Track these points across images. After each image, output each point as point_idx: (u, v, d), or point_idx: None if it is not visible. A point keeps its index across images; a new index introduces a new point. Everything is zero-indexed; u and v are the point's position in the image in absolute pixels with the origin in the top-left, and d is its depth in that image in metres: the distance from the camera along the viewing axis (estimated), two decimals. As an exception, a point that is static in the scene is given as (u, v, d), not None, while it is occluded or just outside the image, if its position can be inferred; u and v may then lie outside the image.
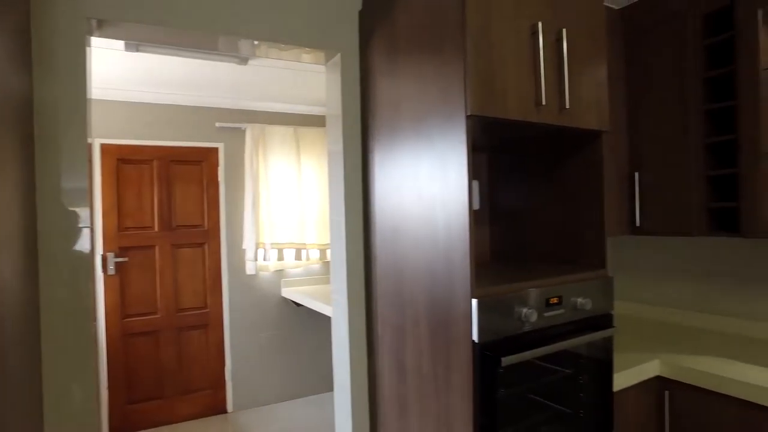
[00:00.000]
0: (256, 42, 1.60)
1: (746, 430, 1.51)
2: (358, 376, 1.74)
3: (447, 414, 1.33)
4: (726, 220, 1.88)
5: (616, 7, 2.10)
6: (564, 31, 1.37)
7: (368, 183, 1.71)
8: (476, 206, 1.89)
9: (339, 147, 1.75)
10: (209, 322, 3.58)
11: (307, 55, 1.81)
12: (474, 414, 1.24)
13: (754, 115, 1.68)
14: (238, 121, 3.67)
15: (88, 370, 1.31)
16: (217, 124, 3.58)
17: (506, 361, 1.21)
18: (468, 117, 1.22)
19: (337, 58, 1.75)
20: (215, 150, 3.61)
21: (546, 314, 1.34)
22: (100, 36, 1.47)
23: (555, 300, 1.36)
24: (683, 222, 1.86)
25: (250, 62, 2.71)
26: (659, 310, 2.31)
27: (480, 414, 1.25)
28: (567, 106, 1.36)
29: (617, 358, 1.73)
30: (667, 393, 1.70)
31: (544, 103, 1.31)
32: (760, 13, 1.67)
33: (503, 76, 1.27)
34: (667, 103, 1.91)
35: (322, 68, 2.83)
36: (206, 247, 3.58)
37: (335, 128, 1.78)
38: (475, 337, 1.22)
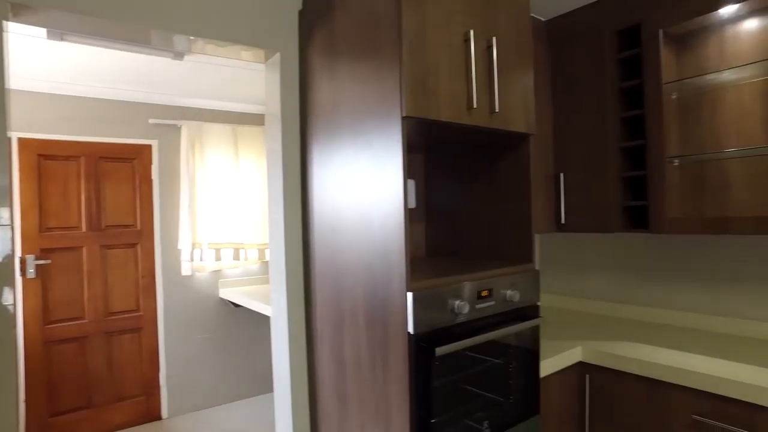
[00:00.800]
0: (191, 37, 1.58)
1: (653, 403, 1.66)
2: (298, 374, 1.76)
3: (385, 404, 1.38)
4: (639, 218, 2.05)
5: (543, 19, 2.24)
6: (494, 39, 1.46)
7: (307, 182, 1.73)
8: (412, 205, 1.96)
9: (278, 146, 1.76)
10: (142, 326, 3.45)
11: (246, 53, 1.80)
12: (411, 403, 1.30)
13: (659, 123, 1.86)
14: (174, 117, 3.56)
15: (9, 384, 1.24)
16: (151, 121, 3.46)
17: (440, 351, 1.27)
18: (403, 118, 1.27)
19: (277, 57, 1.76)
20: (148, 147, 3.48)
21: (477, 306, 1.42)
22: (17, 22, 1.40)
23: (486, 293, 1.44)
24: (603, 219, 2.02)
25: (187, 58, 2.65)
26: (583, 301, 2.48)
27: (416, 403, 1.30)
28: (497, 110, 1.45)
29: (544, 347, 1.85)
30: (587, 376, 1.84)
31: (475, 106, 1.39)
32: (661, 33, 1.85)
33: (437, 80, 1.33)
34: (588, 110, 2.07)
35: (262, 66, 2.82)
36: (139, 247, 3.44)
37: (274, 127, 1.79)
38: (410, 329, 1.27)
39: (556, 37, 2.19)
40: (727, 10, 1.76)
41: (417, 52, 1.30)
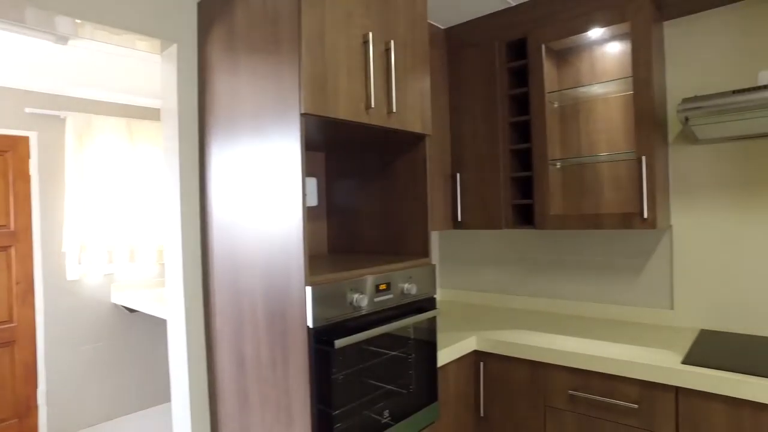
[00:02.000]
0: (77, 21, 1.47)
1: (536, 383, 1.83)
2: (197, 376, 1.70)
3: (287, 400, 1.39)
4: (526, 215, 2.24)
5: (442, 27, 2.36)
6: (392, 42, 1.52)
7: (205, 179, 1.68)
8: (314, 203, 1.98)
9: (174, 143, 1.70)
10: (16, 339, 3.11)
11: (141, 43, 1.71)
12: (312, 397, 1.32)
13: (542, 129, 2.04)
14: (57, 107, 3.26)
15: None
16: (28, 110, 3.13)
17: (339, 343, 1.30)
18: (302, 115, 1.29)
19: (173, 48, 1.69)
20: (25, 139, 3.15)
21: (376, 299, 1.47)
22: None
23: (384, 286, 1.50)
24: (494, 217, 2.17)
25: (74, 43, 2.44)
26: (479, 294, 2.65)
27: (318, 397, 1.32)
28: (394, 110, 1.52)
29: (442, 338, 1.96)
30: (482, 363, 1.97)
31: (373, 106, 1.44)
32: (543, 47, 2.04)
33: (336, 79, 1.37)
34: (481, 115, 2.22)
35: (160, 58, 2.68)
36: (13, 250, 3.11)
37: (171, 122, 1.72)
38: (309, 323, 1.29)
39: (454, 45, 2.32)
40: (594, 32, 1.97)
41: (316, 51, 1.32)
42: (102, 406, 3.42)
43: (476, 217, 2.23)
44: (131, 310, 3.53)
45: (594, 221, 1.91)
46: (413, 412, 1.65)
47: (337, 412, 1.40)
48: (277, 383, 1.41)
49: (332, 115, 1.35)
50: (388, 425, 1.56)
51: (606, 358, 1.65)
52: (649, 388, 1.59)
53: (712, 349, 1.69)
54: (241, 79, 1.50)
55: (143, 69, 2.94)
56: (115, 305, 3.48)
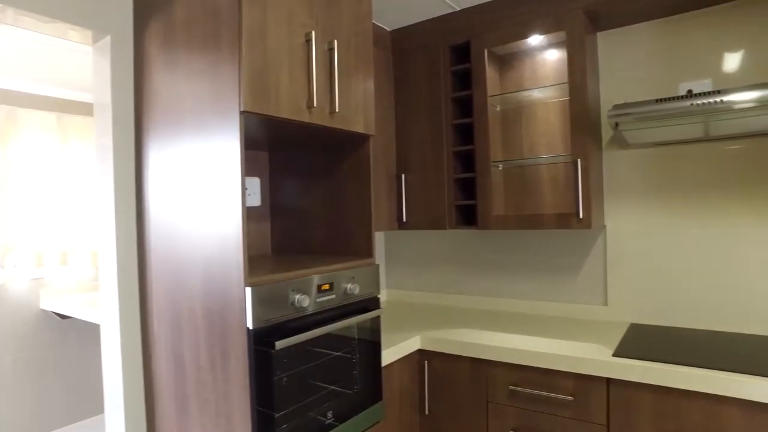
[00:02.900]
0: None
1: (478, 380, 1.87)
2: (132, 383, 1.63)
3: (226, 404, 1.35)
4: (469, 216, 2.29)
5: (388, 29, 2.38)
6: (335, 42, 1.52)
7: (142, 177, 1.62)
8: (257, 203, 1.94)
9: (108, 139, 1.62)
10: (-68, 349, 2.88)
11: (73, 33, 1.62)
12: (252, 400, 1.29)
13: (485, 131, 2.09)
14: (-21, 101, 3.04)
15: None
16: (-54, 103, 2.91)
17: (280, 344, 1.28)
18: (242, 113, 1.26)
19: (107, 40, 1.62)
20: (-56, 135, 2.92)
21: (318, 300, 1.46)
22: None
23: (326, 286, 1.49)
24: (438, 217, 2.21)
25: (-5, 32, 2.29)
26: (425, 294, 2.68)
27: (258, 399, 1.30)
28: (336, 110, 1.51)
29: (387, 338, 1.97)
30: (426, 362, 2.00)
31: (315, 105, 1.43)
32: (486, 52, 2.10)
33: (277, 78, 1.35)
34: (426, 116, 2.25)
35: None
36: (-71, 254, 2.87)
37: (104, 119, 1.64)
38: (249, 324, 1.27)
39: (400, 47, 2.34)
40: (534, 39, 2.05)
41: (257, 49, 1.30)
42: (28, 422, 3.21)
43: (421, 218, 2.26)
44: (63, 317, 3.33)
45: (533, 221, 1.98)
46: (358, 412, 1.65)
47: (279, 414, 1.37)
48: (216, 387, 1.37)
49: (273, 114, 1.34)
50: (331, 426, 1.56)
51: (544, 353, 1.71)
52: (584, 381, 1.66)
53: (640, 341, 1.79)
54: (180, 75, 1.45)
55: (77, 59, 2.79)
56: (45, 311, 3.28)
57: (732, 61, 1.89)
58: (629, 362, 1.57)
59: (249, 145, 1.84)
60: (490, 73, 2.17)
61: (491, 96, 2.14)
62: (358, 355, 1.67)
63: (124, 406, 1.61)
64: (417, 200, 2.27)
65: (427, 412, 2.00)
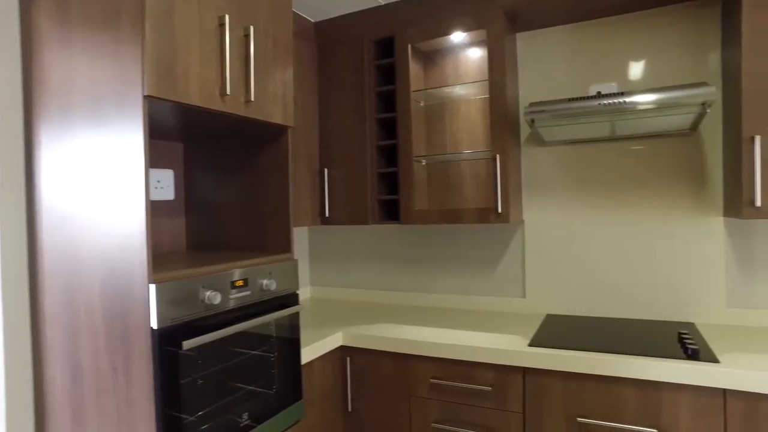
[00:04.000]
0: None
1: (401, 375, 1.88)
2: (19, 395, 1.47)
3: (128, 409, 1.26)
4: (392, 211, 2.29)
5: (312, 20, 2.33)
6: (252, 28, 1.46)
7: (33, 167, 1.47)
8: (171, 196, 1.84)
9: (-7, 122, 1.46)
10: None
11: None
12: (157, 405, 1.21)
13: (408, 126, 2.10)
14: None
15: None
16: None
17: (187, 345, 1.21)
18: (145, 97, 1.17)
19: (-10, 14, 1.45)
20: None
21: (232, 296, 1.40)
22: None
23: (241, 282, 1.43)
24: (361, 212, 2.19)
25: None
26: (351, 290, 2.66)
27: (164, 404, 1.22)
28: (252, 99, 1.45)
29: (309, 335, 1.92)
30: (348, 359, 1.98)
31: (229, 93, 1.36)
32: (409, 47, 2.10)
33: (187, 62, 1.27)
34: (349, 110, 2.22)
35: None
36: None
37: (-12, 99, 1.47)
38: (154, 323, 1.18)
39: (324, 40, 2.30)
40: (457, 36, 2.08)
41: (163, 29, 1.21)
42: None
43: (343, 213, 2.23)
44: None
45: (455, 216, 2.01)
46: (276, 412, 1.60)
47: (191, 418, 1.30)
48: (117, 393, 1.27)
49: (182, 100, 1.25)
50: (249, 427, 1.49)
51: (463, 346, 1.74)
52: (502, 371, 1.71)
53: (554, 331, 1.87)
54: (77, 55, 1.32)
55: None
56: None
57: (636, 67, 2.02)
58: (542, 351, 1.63)
59: (160, 134, 1.73)
60: (414, 68, 2.18)
61: (415, 91, 2.15)
62: (276, 354, 1.61)
63: (5, 423, 1.46)
64: (340, 195, 2.24)
65: (350, 409, 1.98)
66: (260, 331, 1.55)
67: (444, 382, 1.78)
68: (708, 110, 1.62)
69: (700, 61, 1.92)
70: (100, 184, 1.28)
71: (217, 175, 1.84)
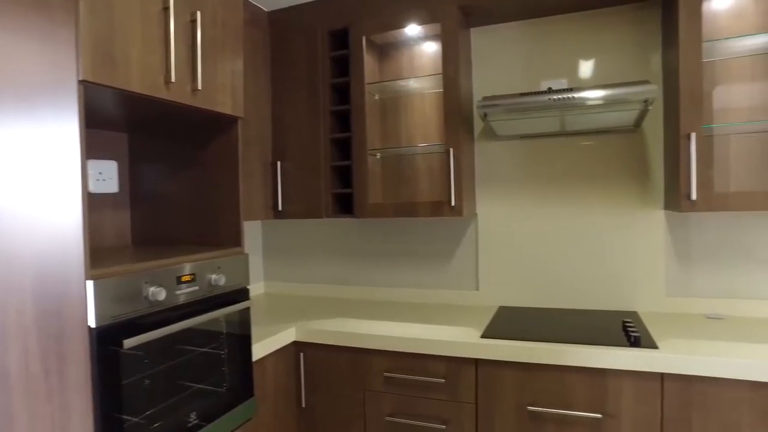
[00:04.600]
0: None
1: (355, 369, 1.87)
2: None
3: (63, 414, 1.19)
4: (346, 204, 2.27)
5: (266, 9, 2.27)
6: (198, 14, 1.40)
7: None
8: (114, 189, 1.75)
9: None
10: None
11: None
12: (95, 407, 1.15)
13: (362, 119, 2.08)
14: None
15: None
16: None
17: (129, 343, 1.16)
18: (80, 82, 1.11)
19: None
20: None
21: (178, 292, 1.35)
22: None
23: (188, 278, 1.38)
24: (315, 206, 2.16)
25: None
26: (304, 286, 2.63)
27: (105, 406, 1.16)
28: (199, 88, 1.40)
29: (262, 331, 1.88)
30: (302, 354, 1.95)
31: (173, 80, 1.31)
32: (364, 39, 2.09)
33: (126, 46, 1.21)
34: (303, 102, 2.18)
35: None
36: None
37: None
38: (92, 322, 1.12)
39: (278, 29, 2.25)
40: (412, 30, 2.08)
41: (100, 11, 1.14)
42: None
43: (297, 206, 2.19)
44: None
45: (409, 209, 2.02)
46: (227, 411, 1.56)
47: (135, 420, 1.24)
48: (51, 397, 1.20)
49: (122, 87, 1.19)
50: (198, 427, 1.45)
51: (417, 339, 1.74)
52: (454, 363, 1.72)
53: (506, 322, 1.90)
54: (4, 37, 1.23)
55: None
56: None
57: (585, 65, 2.08)
58: (494, 342, 1.66)
59: (102, 124, 1.65)
60: (369, 61, 2.17)
61: (369, 84, 2.14)
62: (227, 351, 1.57)
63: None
64: (293, 188, 2.20)
65: (303, 405, 1.95)
66: (210, 328, 1.51)
67: (398, 375, 1.79)
68: (650, 107, 1.68)
69: (644, 61, 2.00)
70: (34, 175, 1.20)
71: (165, 167, 1.77)
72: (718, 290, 1.94)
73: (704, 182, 1.65)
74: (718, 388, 1.44)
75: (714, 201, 1.64)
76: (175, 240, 1.76)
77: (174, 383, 1.39)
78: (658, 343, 1.56)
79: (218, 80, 1.51)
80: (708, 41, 1.72)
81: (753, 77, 1.84)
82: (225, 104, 1.53)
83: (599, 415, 1.54)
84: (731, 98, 1.87)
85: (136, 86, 1.23)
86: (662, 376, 1.49)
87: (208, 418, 1.48)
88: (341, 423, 1.90)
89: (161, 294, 1.26)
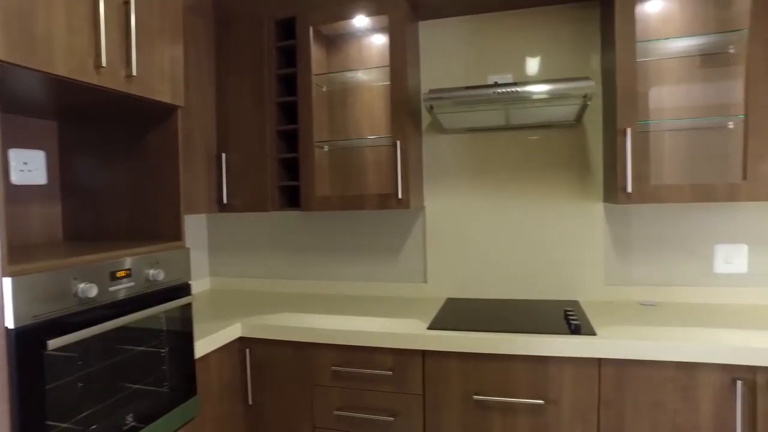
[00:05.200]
0: None
1: (302, 364, 1.84)
2: None
3: (-17, 423, 1.11)
4: (293, 197, 2.23)
5: (209, -5, 2.19)
6: (132, -5, 1.33)
7: None
8: (42, 180, 1.64)
9: None
10: None
11: None
12: (12, 414, 1.07)
13: (309, 110, 2.05)
14: None
15: None
16: None
17: (53, 344, 1.09)
18: (-5, 63, 1.03)
19: None
20: None
21: (112, 289, 1.28)
22: None
23: (123, 273, 1.31)
24: (260, 199, 2.11)
25: None
26: (252, 281, 2.57)
27: (26, 413, 1.08)
28: (134, 74, 1.33)
29: (206, 327, 1.82)
30: (248, 350, 1.90)
31: (104, 65, 1.23)
32: (311, 30, 2.05)
33: (50, 25, 1.13)
34: (248, 93, 2.12)
35: None
36: None
37: None
38: (10, 322, 1.05)
39: (222, 17, 2.17)
40: (359, 21, 2.06)
41: (17, -14, 1.06)
42: None
43: (242, 200, 2.13)
44: None
45: (356, 202, 2.00)
46: (167, 411, 1.50)
47: (64, 425, 1.17)
48: (-32, 403, 1.11)
49: (44, 69, 1.11)
50: (135, 429, 1.38)
51: (364, 332, 1.74)
52: (402, 355, 1.73)
53: (453, 314, 1.93)
54: None
55: None
56: None
57: (530, 61, 2.12)
58: (440, 334, 1.68)
59: (27, 110, 1.54)
60: (317, 52, 2.13)
61: (316, 75, 2.10)
62: (168, 349, 1.51)
63: None
64: (238, 181, 2.14)
65: (250, 402, 1.91)
66: (149, 326, 1.44)
67: (346, 369, 1.78)
68: (589, 102, 1.74)
69: (584, 59, 2.07)
70: (-57, 163, 1.11)
71: (100, 158, 1.67)
72: (653, 279, 2.04)
73: (639, 175, 1.72)
74: (649, 370, 1.51)
75: (648, 193, 1.72)
76: (110, 234, 1.67)
77: (111, 384, 1.32)
78: (597, 330, 1.63)
79: (156, 67, 1.44)
80: (641, 41, 1.79)
81: (680, 78, 1.94)
82: (163, 92, 1.46)
83: (541, 401, 1.59)
84: (663, 96, 1.97)
85: (60, 69, 1.15)
86: (600, 362, 1.55)
87: (147, 419, 1.42)
88: (289, 419, 1.87)
89: (92, 291, 1.19)
